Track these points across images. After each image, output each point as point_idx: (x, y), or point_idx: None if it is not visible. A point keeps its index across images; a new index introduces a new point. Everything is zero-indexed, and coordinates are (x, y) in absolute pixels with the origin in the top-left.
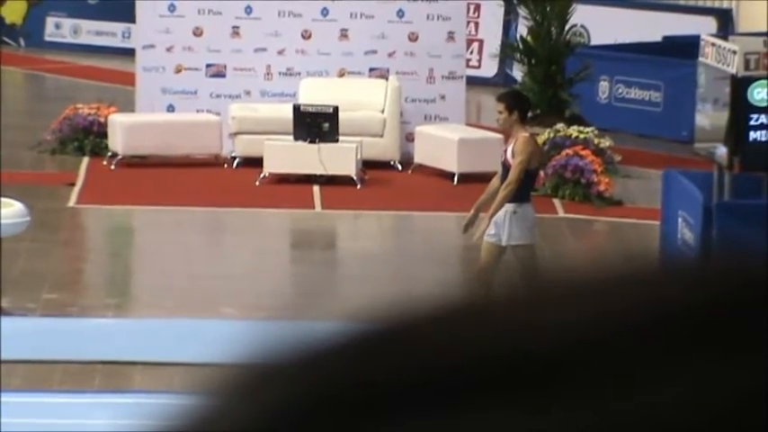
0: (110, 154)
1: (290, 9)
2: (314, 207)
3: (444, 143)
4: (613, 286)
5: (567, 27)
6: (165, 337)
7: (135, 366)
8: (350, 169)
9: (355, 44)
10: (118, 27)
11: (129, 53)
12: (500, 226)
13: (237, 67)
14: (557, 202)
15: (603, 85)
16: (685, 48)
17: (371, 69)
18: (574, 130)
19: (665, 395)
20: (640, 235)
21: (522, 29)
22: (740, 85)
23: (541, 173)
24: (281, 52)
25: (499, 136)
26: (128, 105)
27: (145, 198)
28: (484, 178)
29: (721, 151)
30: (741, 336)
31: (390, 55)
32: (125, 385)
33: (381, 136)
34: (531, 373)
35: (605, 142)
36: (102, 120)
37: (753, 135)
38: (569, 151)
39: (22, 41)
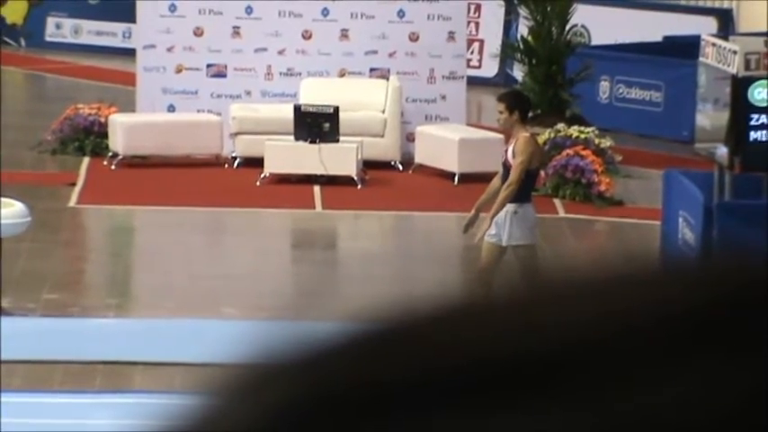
0: (110, 154)
1: (290, 9)
2: (314, 207)
3: (445, 143)
4: (614, 287)
5: (567, 27)
6: (166, 337)
7: (136, 367)
8: (350, 169)
9: (356, 44)
10: (118, 27)
11: (130, 53)
12: (501, 226)
13: (238, 68)
14: (557, 202)
15: (604, 86)
16: (686, 48)
17: (372, 69)
18: (574, 131)
19: (666, 396)
20: (641, 235)
21: (523, 29)
22: (741, 86)
23: (542, 173)
24: (281, 52)
25: (500, 136)
26: (128, 105)
27: (145, 198)
28: (484, 178)
29: (722, 151)
30: (742, 336)
31: (391, 55)
32: (126, 385)
33: (382, 136)
34: (532, 374)
35: (606, 142)
36: (102, 120)
37: (753, 135)
38: (570, 151)
39: (22, 41)
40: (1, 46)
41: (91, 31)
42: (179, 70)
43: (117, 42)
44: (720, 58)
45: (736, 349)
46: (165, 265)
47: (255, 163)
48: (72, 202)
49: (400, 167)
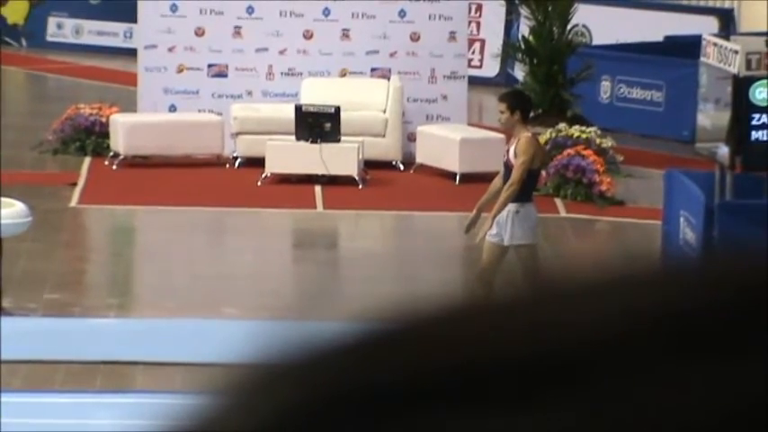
0: (111, 154)
1: (291, 9)
2: (316, 207)
3: (446, 143)
4: (615, 287)
5: (568, 27)
6: (167, 337)
7: (137, 366)
8: (352, 169)
9: (357, 44)
10: (120, 27)
11: (131, 53)
12: (502, 226)
13: (239, 67)
14: (558, 201)
15: (605, 85)
16: (687, 48)
17: (373, 69)
18: (576, 130)
19: (666, 396)
20: (642, 235)
21: (524, 28)
22: (742, 85)
23: (543, 173)
24: (282, 52)
25: (501, 136)
26: (130, 105)
27: (147, 198)
28: (486, 178)
29: (723, 151)
30: (742, 337)
31: (392, 55)
32: (127, 385)
33: (383, 136)
34: (532, 374)
35: (607, 142)
36: (103, 120)
37: (754, 135)
38: (571, 151)
39: (23, 42)
40: (2, 46)
41: (92, 31)
42: (180, 70)
43: (118, 42)
44: (721, 57)
45: (737, 351)
46: (167, 265)
47: (257, 163)
48: (73, 202)
49: (401, 167)
